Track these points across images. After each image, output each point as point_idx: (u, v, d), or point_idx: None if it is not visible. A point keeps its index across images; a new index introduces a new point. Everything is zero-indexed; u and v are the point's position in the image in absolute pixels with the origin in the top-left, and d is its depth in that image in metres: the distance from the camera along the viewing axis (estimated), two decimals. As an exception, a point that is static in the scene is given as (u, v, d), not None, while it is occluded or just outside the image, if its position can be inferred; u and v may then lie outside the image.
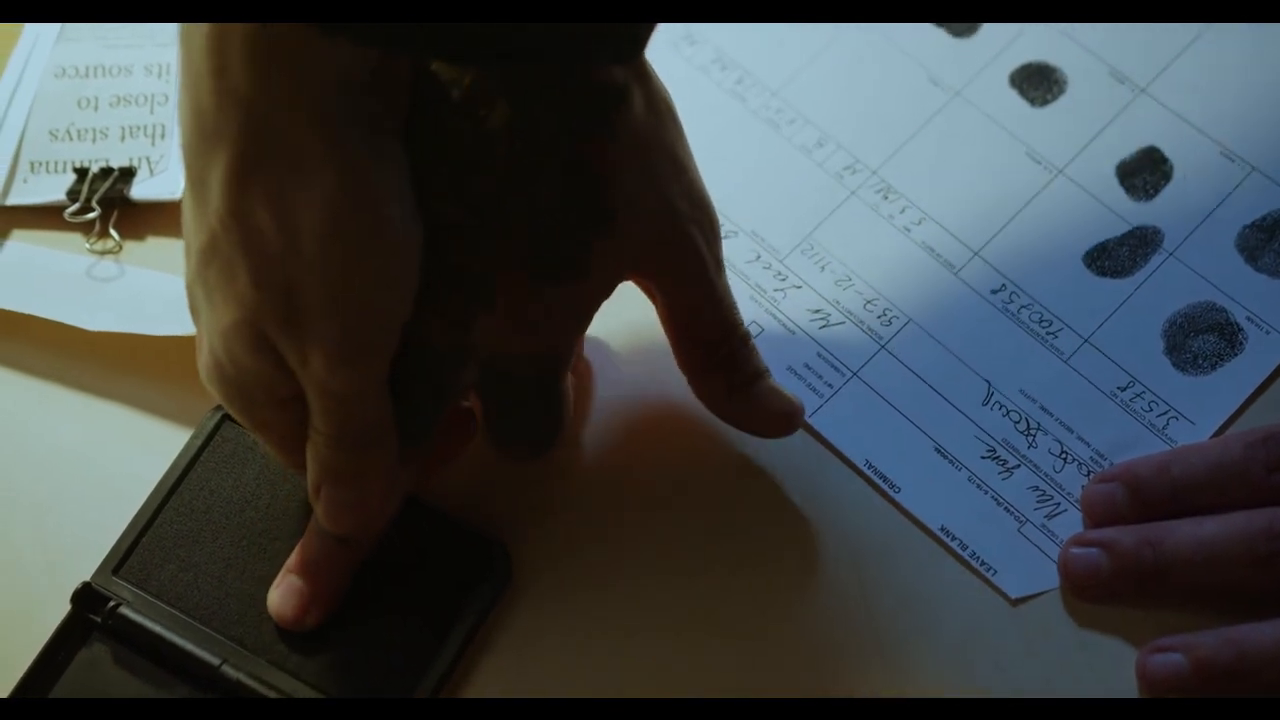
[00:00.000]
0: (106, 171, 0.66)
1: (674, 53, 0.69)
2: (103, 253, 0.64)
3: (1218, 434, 0.60)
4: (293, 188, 0.46)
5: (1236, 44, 0.67)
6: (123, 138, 0.67)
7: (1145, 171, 0.65)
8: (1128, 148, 0.66)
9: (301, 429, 0.52)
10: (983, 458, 0.60)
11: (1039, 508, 0.59)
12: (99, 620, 0.55)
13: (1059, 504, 0.59)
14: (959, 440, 0.60)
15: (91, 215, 0.65)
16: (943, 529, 0.58)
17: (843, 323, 0.63)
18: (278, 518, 0.58)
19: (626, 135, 0.51)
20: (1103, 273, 0.63)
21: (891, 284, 0.63)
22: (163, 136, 0.67)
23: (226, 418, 0.59)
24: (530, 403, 0.56)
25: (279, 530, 0.57)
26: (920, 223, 0.65)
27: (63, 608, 0.56)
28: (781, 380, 0.59)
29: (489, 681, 0.56)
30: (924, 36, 0.69)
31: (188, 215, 0.49)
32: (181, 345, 0.60)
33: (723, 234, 0.57)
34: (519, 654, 0.56)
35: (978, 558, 0.58)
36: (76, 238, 0.65)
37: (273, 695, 0.54)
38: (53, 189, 0.65)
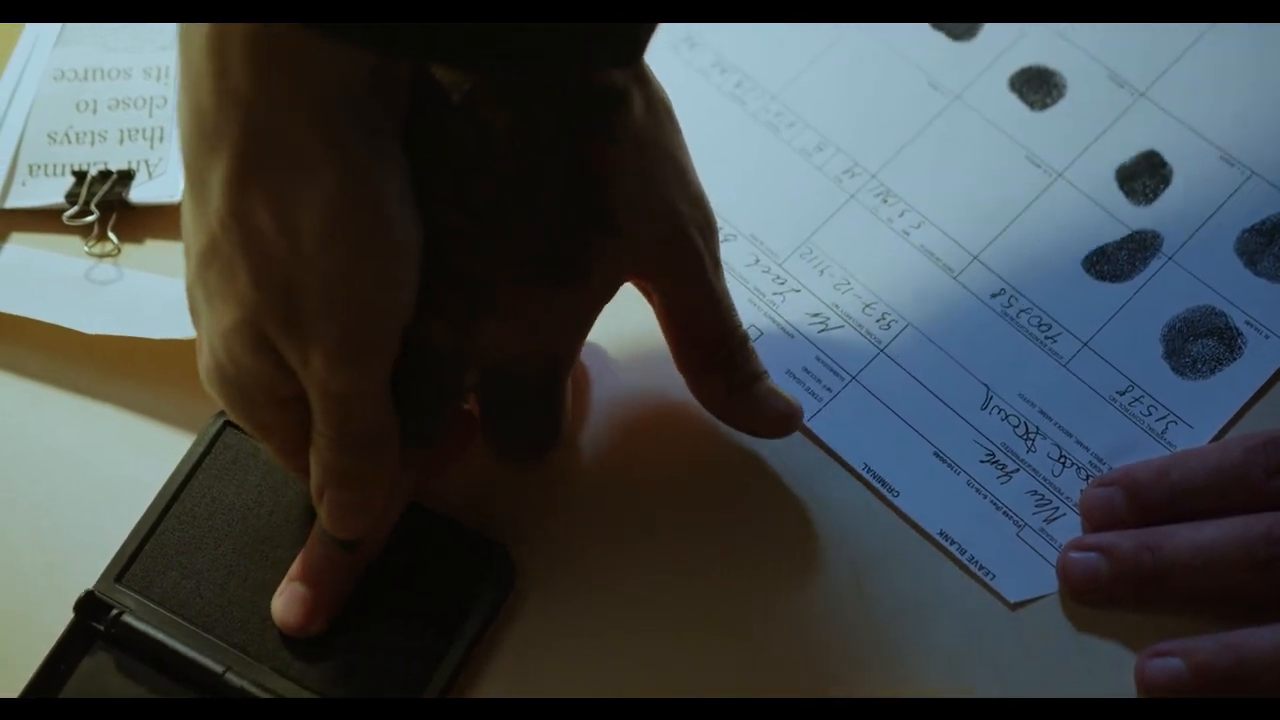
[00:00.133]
0: (105, 174, 0.66)
1: (674, 55, 0.69)
2: (101, 256, 0.64)
3: (1217, 438, 0.60)
4: (293, 188, 0.46)
5: (1236, 48, 0.67)
6: (121, 141, 0.67)
7: (1144, 175, 0.65)
8: (1127, 151, 0.66)
9: (302, 431, 0.52)
10: (981, 462, 0.60)
11: (1038, 512, 0.59)
12: (102, 628, 0.55)
13: (1058, 508, 0.59)
14: (958, 444, 0.60)
15: (90, 218, 0.65)
16: (941, 533, 0.58)
17: (842, 326, 0.63)
18: (280, 525, 0.57)
19: (627, 138, 0.52)
20: (1102, 277, 0.63)
21: (890, 288, 0.63)
22: (161, 139, 0.67)
23: (228, 425, 0.59)
24: (531, 405, 0.56)
25: (281, 537, 0.57)
26: (919, 226, 0.65)
27: (62, 611, 0.56)
28: (780, 384, 0.59)
29: (494, 685, 0.56)
30: (923, 40, 0.69)
31: (187, 217, 0.49)
32: (180, 349, 0.60)
33: (722, 237, 0.57)
34: (521, 656, 0.56)
35: (976, 562, 0.58)
36: (75, 241, 0.65)
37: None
38: (51, 192, 0.65)
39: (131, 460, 0.60)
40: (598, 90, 0.50)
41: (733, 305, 0.57)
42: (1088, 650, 0.56)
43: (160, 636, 0.55)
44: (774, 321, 0.63)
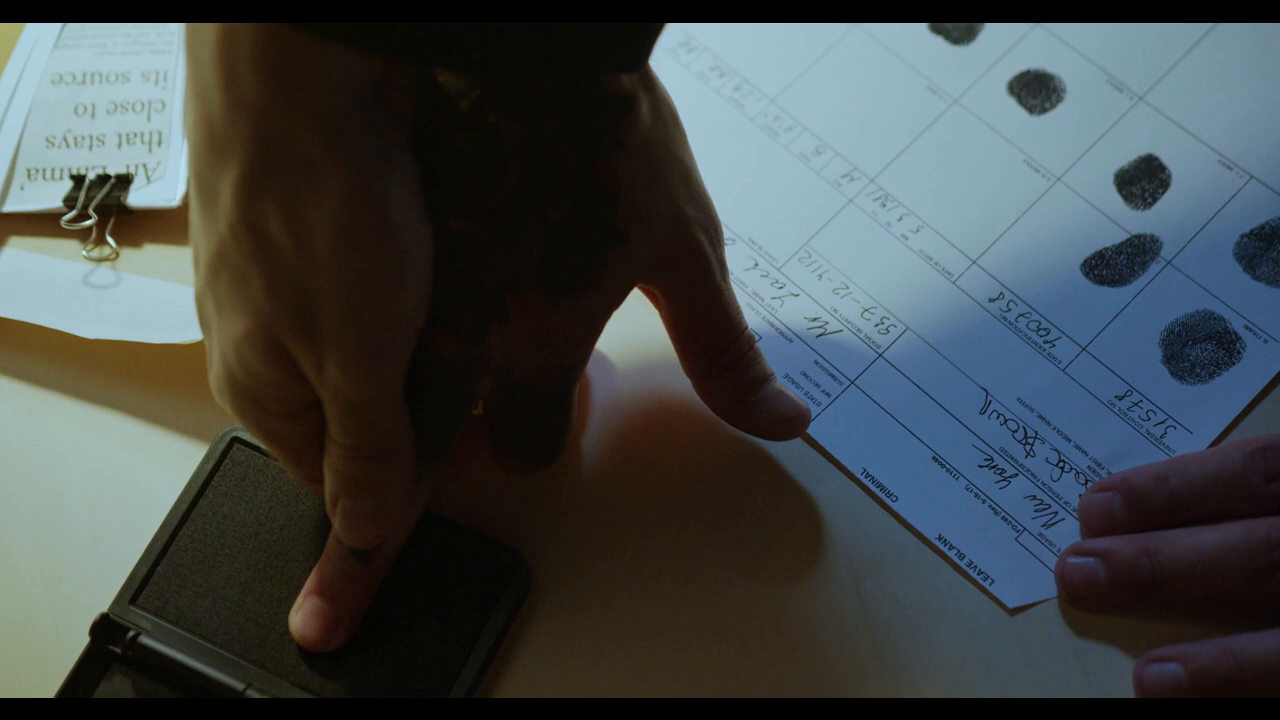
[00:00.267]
0: (103, 178, 0.65)
1: (672, 60, 0.69)
2: (99, 260, 0.64)
3: (1216, 443, 0.60)
4: (303, 195, 0.46)
5: (1235, 52, 0.67)
6: (120, 144, 0.67)
7: (1143, 179, 0.65)
8: (1126, 156, 0.66)
9: (315, 441, 0.52)
10: (980, 466, 0.60)
11: (1036, 517, 0.59)
12: (119, 651, 0.55)
13: (1056, 513, 0.59)
14: (956, 449, 0.60)
15: (88, 222, 0.64)
16: (940, 538, 0.58)
17: (840, 331, 0.63)
18: (292, 539, 0.57)
19: (635, 143, 0.51)
20: (1101, 281, 0.63)
21: (889, 292, 0.63)
22: (160, 143, 0.67)
23: (236, 441, 0.59)
24: (540, 413, 0.56)
25: (294, 551, 0.57)
26: (918, 230, 0.65)
27: (73, 627, 0.55)
28: (780, 388, 0.59)
29: (513, 691, 0.56)
30: (922, 44, 0.69)
31: (196, 226, 0.49)
32: (182, 353, 0.60)
33: (722, 240, 0.57)
34: (540, 662, 0.56)
35: (975, 567, 0.58)
36: (73, 245, 0.65)
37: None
38: (49, 196, 0.65)
39: (133, 465, 0.60)
40: (606, 96, 0.50)
41: (739, 308, 0.57)
42: (1086, 655, 0.56)
43: (179, 656, 0.54)
44: (772, 326, 0.63)
